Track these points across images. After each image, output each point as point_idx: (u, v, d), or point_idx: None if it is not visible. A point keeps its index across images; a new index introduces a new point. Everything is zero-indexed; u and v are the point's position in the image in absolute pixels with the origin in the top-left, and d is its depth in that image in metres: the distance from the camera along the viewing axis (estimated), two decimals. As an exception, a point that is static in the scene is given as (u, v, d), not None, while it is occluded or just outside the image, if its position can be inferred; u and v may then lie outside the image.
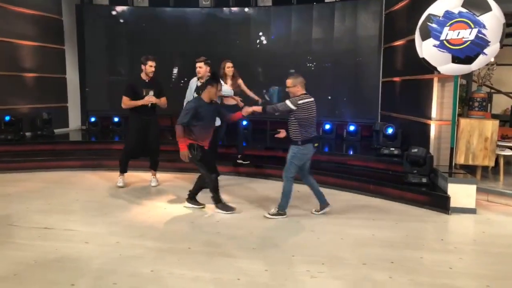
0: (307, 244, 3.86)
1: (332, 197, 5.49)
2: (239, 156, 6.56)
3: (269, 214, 4.58)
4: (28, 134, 7.90)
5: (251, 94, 6.43)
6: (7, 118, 7.38)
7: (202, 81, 5.26)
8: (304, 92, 4.45)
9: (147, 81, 5.50)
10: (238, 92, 6.11)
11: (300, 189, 5.81)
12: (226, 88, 5.65)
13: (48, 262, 3.39)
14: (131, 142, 5.62)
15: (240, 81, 6.22)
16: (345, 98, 8.42)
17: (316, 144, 4.53)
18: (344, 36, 8.32)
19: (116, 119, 8.80)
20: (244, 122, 8.55)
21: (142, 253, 3.60)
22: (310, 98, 4.45)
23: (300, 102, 4.34)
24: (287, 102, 4.38)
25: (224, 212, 4.67)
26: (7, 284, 3.03)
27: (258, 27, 8.93)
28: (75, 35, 9.22)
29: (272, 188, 5.81)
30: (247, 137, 8.28)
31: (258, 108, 4.69)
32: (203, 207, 4.85)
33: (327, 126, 8.19)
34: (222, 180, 6.01)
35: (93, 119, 8.90)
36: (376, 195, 5.44)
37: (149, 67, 5.43)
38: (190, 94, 5.52)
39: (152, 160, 5.82)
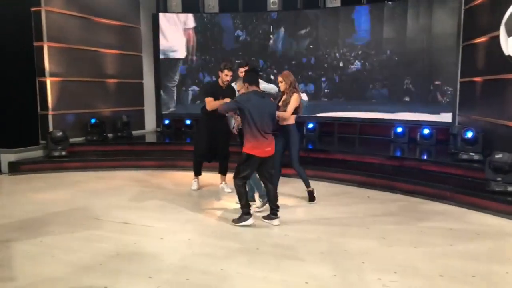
0: (378, 252, 3.73)
1: (404, 203, 5.28)
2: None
3: (257, 207, 4.83)
4: (110, 135, 8.56)
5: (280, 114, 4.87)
6: (93, 120, 8.08)
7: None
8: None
9: (223, 88, 5.48)
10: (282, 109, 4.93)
11: (371, 195, 5.65)
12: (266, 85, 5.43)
13: (128, 255, 3.64)
14: (201, 147, 5.70)
15: (294, 96, 4.91)
16: (419, 100, 8.02)
17: None
18: (418, 34, 7.93)
19: (188, 122, 9.21)
20: (311, 125, 8.53)
21: (213, 251, 3.73)
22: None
23: None
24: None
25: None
26: (93, 273, 3.30)
27: (326, 28, 8.86)
28: (152, 42, 9.82)
29: (338, 191, 5.72)
30: (314, 139, 8.27)
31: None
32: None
33: (399, 129, 7.85)
34: (283, 181, 5.94)
35: (167, 122, 9.40)
36: (453, 203, 5.09)
37: (225, 76, 5.41)
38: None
39: (222, 165, 5.83)
